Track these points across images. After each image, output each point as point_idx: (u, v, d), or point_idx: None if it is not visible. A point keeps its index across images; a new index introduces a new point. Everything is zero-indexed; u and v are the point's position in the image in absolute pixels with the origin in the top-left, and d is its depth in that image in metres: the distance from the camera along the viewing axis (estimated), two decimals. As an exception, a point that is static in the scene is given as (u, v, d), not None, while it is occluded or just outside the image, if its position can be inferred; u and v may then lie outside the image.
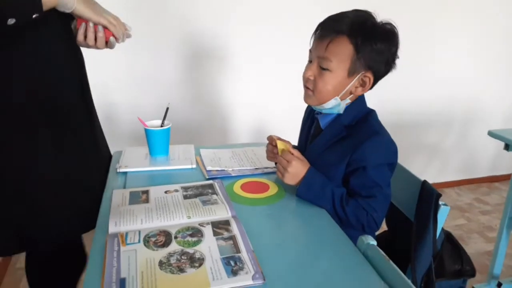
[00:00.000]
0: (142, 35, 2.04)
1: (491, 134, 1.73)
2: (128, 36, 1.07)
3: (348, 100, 1.06)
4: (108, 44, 1.04)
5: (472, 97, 2.77)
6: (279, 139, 1.12)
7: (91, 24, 1.00)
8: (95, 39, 1.02)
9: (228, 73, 2.25)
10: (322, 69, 1.01)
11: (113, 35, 1.03)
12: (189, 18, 2.08)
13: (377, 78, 1.04)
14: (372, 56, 0.99)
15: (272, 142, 1.14)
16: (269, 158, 1.19)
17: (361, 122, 1.06)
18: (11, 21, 0.84)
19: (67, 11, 0.94)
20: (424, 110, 2.69)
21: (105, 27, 1.01)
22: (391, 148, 1.04)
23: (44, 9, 0.88)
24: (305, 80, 1.06)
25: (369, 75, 1.02)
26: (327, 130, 1.09)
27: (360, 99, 1.08)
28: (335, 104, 1.04)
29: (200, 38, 2.14)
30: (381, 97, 2.47)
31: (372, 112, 1.09)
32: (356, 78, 1.01)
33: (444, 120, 2.78)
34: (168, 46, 2.11)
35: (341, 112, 1.06)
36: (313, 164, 1.06)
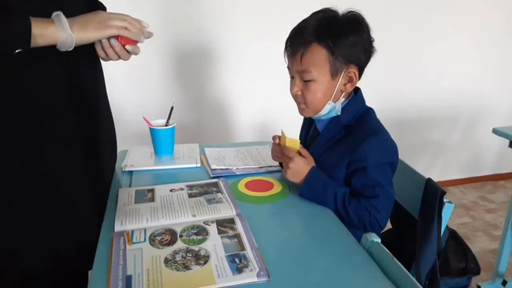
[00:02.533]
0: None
1: (496, 131, 1.72)
2: (149, 34, 0.92)
3: (342, 99, 1.06)
4: (131, 52, 0.92)
5: (477, 94, 2.76)
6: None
7: (103, 41, 0.87)
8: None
9: (233, 73, 2.25)
10: (306, 81, 1.02)
11: (130, 42, 0.89)
12: (193, 18, 2.09)
13: (361, 68, 1.04)
14: (348, 50, 0.99)
15: (275, 139, 1.15)
16: (274, 158, 1.20)
17: (359, 121, 1.06)
18: None
19: (70, 49, 0.81)
20: (428, 107, 2.68)
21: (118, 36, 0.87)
22: (391, 147, 1.04)
23: (32, 45, 0.76)
24: (294, 96, 1.07)
25: (353, 69, 1.02)
26: (325, 132, 1.10)
27: (358, 98, 1.08)
28: (330, 108, 1.05)
29: (204, 37, 2.15)
30: (386, 94, 2.48)
31: (370, 111, 1.09)
32: (341, 77, 1.02)
33: (448, 117, 2.77)
34: (173, 46, 2.11)
35: (339, 113, 1.06)
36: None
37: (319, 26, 0.99)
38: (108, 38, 0.87)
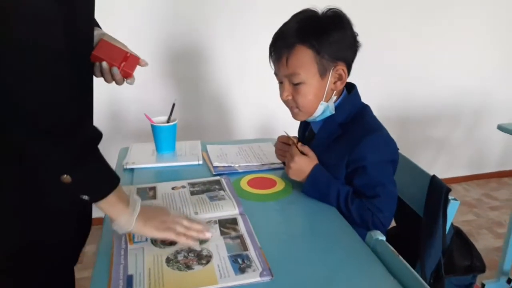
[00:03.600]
0: (149, 32, 2.05)
1: (500, 128, 1.70)
2: (145, 64, 0.95)
3: (334, 97, 1.04)
4: (127, 83, 0.94)
5: (482, 91, 2.74)
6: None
7: (104, 66, 0.88)
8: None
9: (234, 70, 2.24)
10: (295, 85, 1.00)
11: (129, 75, 0.92)
12: (196, 16, 2.08)
13: (349, 65, 1.02)
14: (333, 48, 0.97)
15: (288, 141, 1.14)
16: (278, 156, 1.18)
17: (356, 119, 1.04)
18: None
19: (118, 231, 0.78)
20: (432, 104, 2.66)
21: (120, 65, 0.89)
22: (390, 145, 1.02)
23: (93, 201, 0.72)
24: (285, 102, 1.05)
25: (341, 66, 1.00)
26: (321, 132, 1.08)
27: (352, 95, 1.07)
28: (324, 109, 1.03)
29: (206, 35, 2.14)
30: (390, 91, 2.46)
31: (366, 108, 1.07)
32: (330, 75, 1.00)
33: (452, 114, 2.75)
34: (175, 43, 2.10)
35: (333, 112, 1.05)
36: None
37: (301, 27, 0.97)
38: (111, 65, 0.88)
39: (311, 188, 1.02)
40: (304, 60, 0.97)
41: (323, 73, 0.99)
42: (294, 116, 1.07)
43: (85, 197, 0.70)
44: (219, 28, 2.14)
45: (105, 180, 0.73)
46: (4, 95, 0.61)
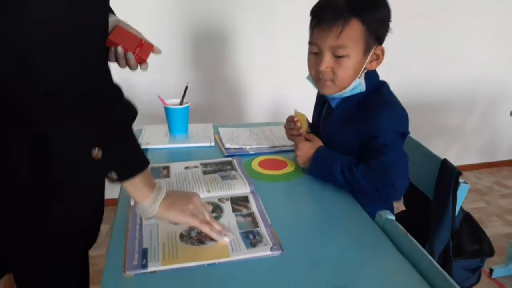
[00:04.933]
0: (161, 15, 2.05)
1: (514, 115, 1.69)
2: (158, 51, 0.95)
3: (363, 76, 1.04)
4: (141, 69, 0.94)
5: (497, 79, 2.69)
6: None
7: (119, 50, 0.87)
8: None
9: (247, 53, 2.24)
10: (338, 57, 0.98)
11: (144, 60, 0.92)
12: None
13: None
14: (379, 27, 0.98)
15: (293, 119, 1.14)
16: (289, 137, 1.20)
17: (373, 95, 1.04)
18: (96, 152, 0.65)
19: (143, 216, 0.80)
20: (445, 91, 2.63)
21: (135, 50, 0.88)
22: (402, 116, 1.02)
23: (121, 179, 0.70)
24: (321, 73, 1.01)
25: (380, 47, 1.01)
26: (339, 109, 1.08)
27: (372, 73, 1.06)
28: (355, 85, 1.02)
29: (218, 18, 2.13)
30: (404, 78, 2.44)
31: (384, 84, 1.07)
32: (371, 53, 1.00)
33: (466, 102, 2.71)
34: (187, 26, 2.11)
35: (363, 89, 1.04)
36: (328, 144, 1.06)
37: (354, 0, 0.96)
38: (126, 50, 0.88)
39: (316, 166, 1.03)
40: (356, 34, 0.96)
41: (367, 50, 0.99)
42: (323, 89, 1.04)
43: (113, 175, 0.68)
44: (232, 12, 2.13)
45: (136, 160, 0.72)
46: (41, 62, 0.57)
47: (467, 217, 1.14)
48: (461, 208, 1.08)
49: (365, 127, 1.00)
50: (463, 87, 2.66)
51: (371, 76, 1.06)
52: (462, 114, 2.76)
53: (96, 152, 0.64)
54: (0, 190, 0.77)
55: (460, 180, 1.01)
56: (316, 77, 1.04)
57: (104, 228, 1.90)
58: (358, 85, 1.03)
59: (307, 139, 1.08)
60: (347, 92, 1.03)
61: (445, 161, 1.05)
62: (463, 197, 1.03)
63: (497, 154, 2.98)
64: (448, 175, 1.02)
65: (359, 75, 1.02)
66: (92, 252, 1.01)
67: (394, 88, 1.08)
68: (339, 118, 1.08)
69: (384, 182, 0.93)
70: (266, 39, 2.21)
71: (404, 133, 1.03)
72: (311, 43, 1.02)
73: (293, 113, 1.17)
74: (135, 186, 0.73)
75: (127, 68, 0.95)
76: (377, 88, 1.05)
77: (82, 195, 0.88)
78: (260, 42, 2.21)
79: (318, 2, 1.01)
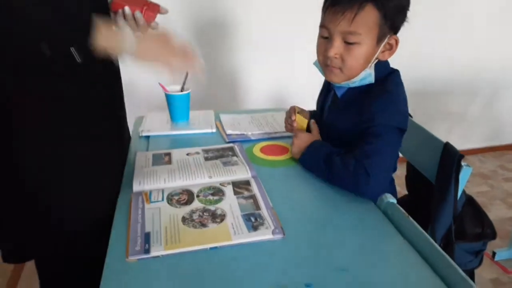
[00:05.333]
0: (163, 3, 2.03)
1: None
2: (165, 11, 0.99)
3: (373, 66, 0.98)
4: (151, 27, 0.96)
5: (500, 63, 2.67)
6: (300, 111, 1.14)
7: (127, 11, 0.90)
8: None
9: (248, 41, 2.22)
10: (348, 43, 0.92)
11: (152, 19, 0.95)
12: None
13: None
14: (396, 15, 0.92)
15: (292, 113, 1.14)
16: (286, 129, 1.19)
17: (378, 84, 0.98)
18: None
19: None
20: (450, 76, 2.61)
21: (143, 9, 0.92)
22: (400, 110, 0.97)
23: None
24: (328, 59, 0.95)
25: (395, 36, 0.95)
26: (344, 97, 1.04)
27: (382, 63, 1.00)
28: (364, 76, 0.97)
29: (219, 6, 2.11)
30: (406, 64, 2.40)
31: (392, 73, 1.01)
32: (384, 43, 0.94)
33: (470, 86, 2.70)
34: (188, 14, 2.09)
35: (373, 81, 0.98)
36: (331, 134, 1.05)
37: None
38: (133, 10, 0.90)
39: (304, 160, 1.02)
40: (370, 20, 0.90)
41: (380, 39, 0.93)
42: (330, 76, 0.99)
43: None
44: (233, 0, 2.12)
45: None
46: None
47: (469, 201, 1.13)
48: (464, 192, 1.08)
49: (361, 116, 0.95)
50: (466, 72, 2.63)
51: (382, 66, 0.99)
52: (466, 99, 2.74)
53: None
54: None
55: (463, 163, 1.00)
56: (324, 63, 0.98)
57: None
58: (368, 76, 0.96)
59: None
60: (355, 82, 0.98)
61: (447, 145, 1.05)
62: (466, 180, 1.03)
63: (502, 138, 2.97)
64: (450, 158, 1.02)
65: (369, 65, 0.95)
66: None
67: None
68: (342, 107, 1.04)
69: (358, 168, 0.89)
70: (269, 28, 2.19)
71: (399, 128, 0.96)
72: (322, 26, 0.96)
73: (293, 104, 1.17)
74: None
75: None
76: (385, 78, 0.99)
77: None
78: (259, 29, 2.19)
79: None
